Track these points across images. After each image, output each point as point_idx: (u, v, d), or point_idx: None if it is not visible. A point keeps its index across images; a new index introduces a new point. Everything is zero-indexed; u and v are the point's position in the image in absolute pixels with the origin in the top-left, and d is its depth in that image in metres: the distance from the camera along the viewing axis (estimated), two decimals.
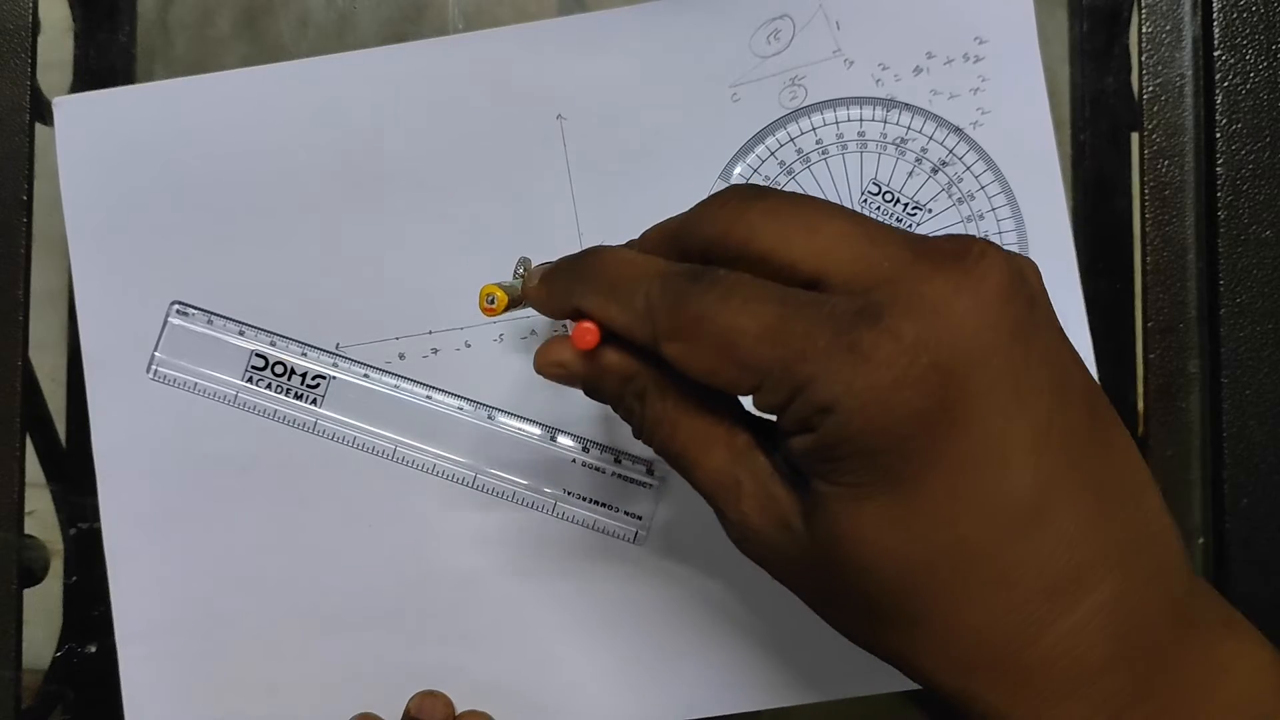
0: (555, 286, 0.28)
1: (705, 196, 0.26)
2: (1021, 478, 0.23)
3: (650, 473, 0.38)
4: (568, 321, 0.28)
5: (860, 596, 0.24)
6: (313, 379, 0.38)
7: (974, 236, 0.24)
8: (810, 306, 0.23)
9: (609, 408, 0.28)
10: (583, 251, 0.28)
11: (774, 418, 0.25)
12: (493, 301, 0.28)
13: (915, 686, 0.25)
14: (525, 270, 0.35)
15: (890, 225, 0.25)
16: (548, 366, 0.27)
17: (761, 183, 0.38)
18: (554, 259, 0.30)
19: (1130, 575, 0.23)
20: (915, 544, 0.23)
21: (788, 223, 0.24)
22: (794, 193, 0.26)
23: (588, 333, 0.26)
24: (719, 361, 0.24)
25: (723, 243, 0.25)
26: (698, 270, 0.25)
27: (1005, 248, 0.25)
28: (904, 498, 0.23)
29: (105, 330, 0.38)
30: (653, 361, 0.26)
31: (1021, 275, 0.24)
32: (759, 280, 0.24)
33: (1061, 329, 0.24)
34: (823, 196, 0.38)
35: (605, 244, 0.28)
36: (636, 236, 0.29)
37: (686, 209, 0.27)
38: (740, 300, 0.24)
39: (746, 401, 0.25)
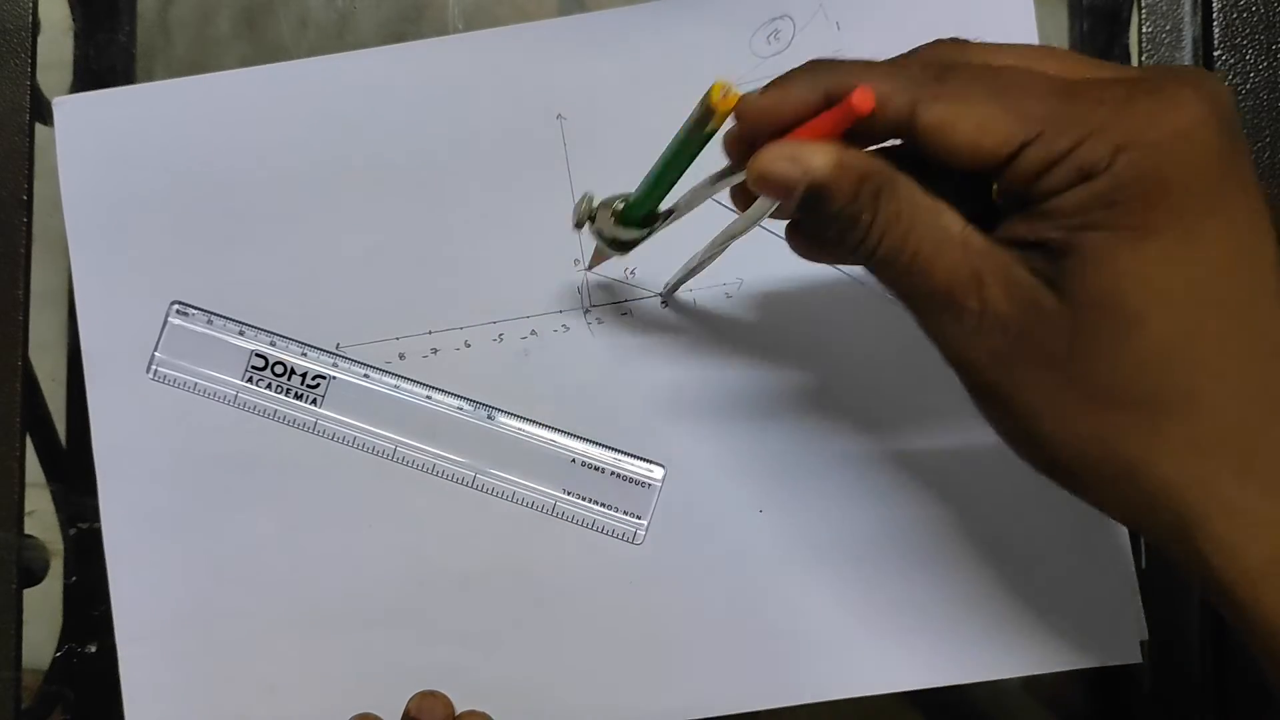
0: (795, 83, 0.25)
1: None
2: (1273, 250, 0.23)
3: (650, 473, 0.38)
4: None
5: (1117, 370, 0.23)
6: (313, 379, 0.38)
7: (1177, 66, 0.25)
8: (1094, 79, 0.23)
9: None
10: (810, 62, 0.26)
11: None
12: (726, 94, 0.24)
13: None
14: (588, 204, 0.32)
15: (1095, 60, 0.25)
16: (778, 162, 0.24)
17: None
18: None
19: None
20: (1190, 292, 0.23)
21: (982, 111, 0.23)
22: (968, 69, 0.25)
23: (868, 95, 0.23)
24: (994, 113, 0.23)
25: (906, 126, 0.24)
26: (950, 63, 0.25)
27: None
28: (1186, 239, 0.23)
29: (105, 330, 0.38)
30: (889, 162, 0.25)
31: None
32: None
33: None
34: None
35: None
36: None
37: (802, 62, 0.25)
38: (1016, 63, 0.24)
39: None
